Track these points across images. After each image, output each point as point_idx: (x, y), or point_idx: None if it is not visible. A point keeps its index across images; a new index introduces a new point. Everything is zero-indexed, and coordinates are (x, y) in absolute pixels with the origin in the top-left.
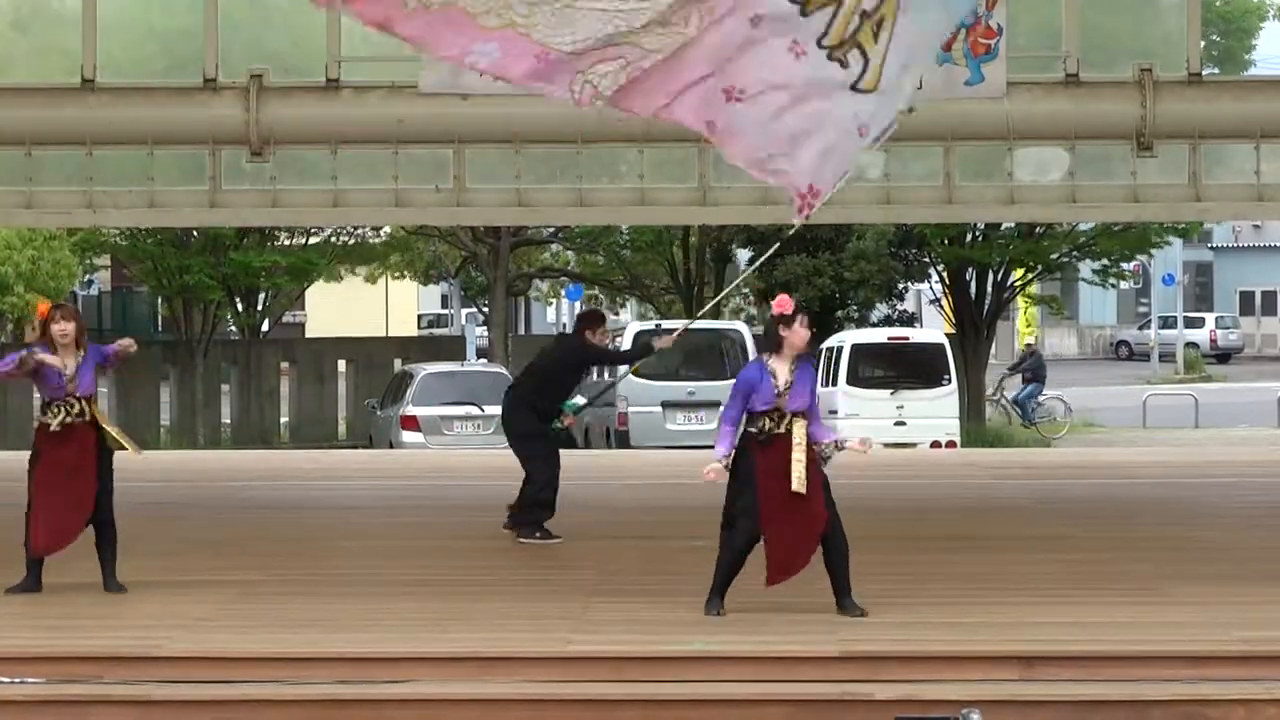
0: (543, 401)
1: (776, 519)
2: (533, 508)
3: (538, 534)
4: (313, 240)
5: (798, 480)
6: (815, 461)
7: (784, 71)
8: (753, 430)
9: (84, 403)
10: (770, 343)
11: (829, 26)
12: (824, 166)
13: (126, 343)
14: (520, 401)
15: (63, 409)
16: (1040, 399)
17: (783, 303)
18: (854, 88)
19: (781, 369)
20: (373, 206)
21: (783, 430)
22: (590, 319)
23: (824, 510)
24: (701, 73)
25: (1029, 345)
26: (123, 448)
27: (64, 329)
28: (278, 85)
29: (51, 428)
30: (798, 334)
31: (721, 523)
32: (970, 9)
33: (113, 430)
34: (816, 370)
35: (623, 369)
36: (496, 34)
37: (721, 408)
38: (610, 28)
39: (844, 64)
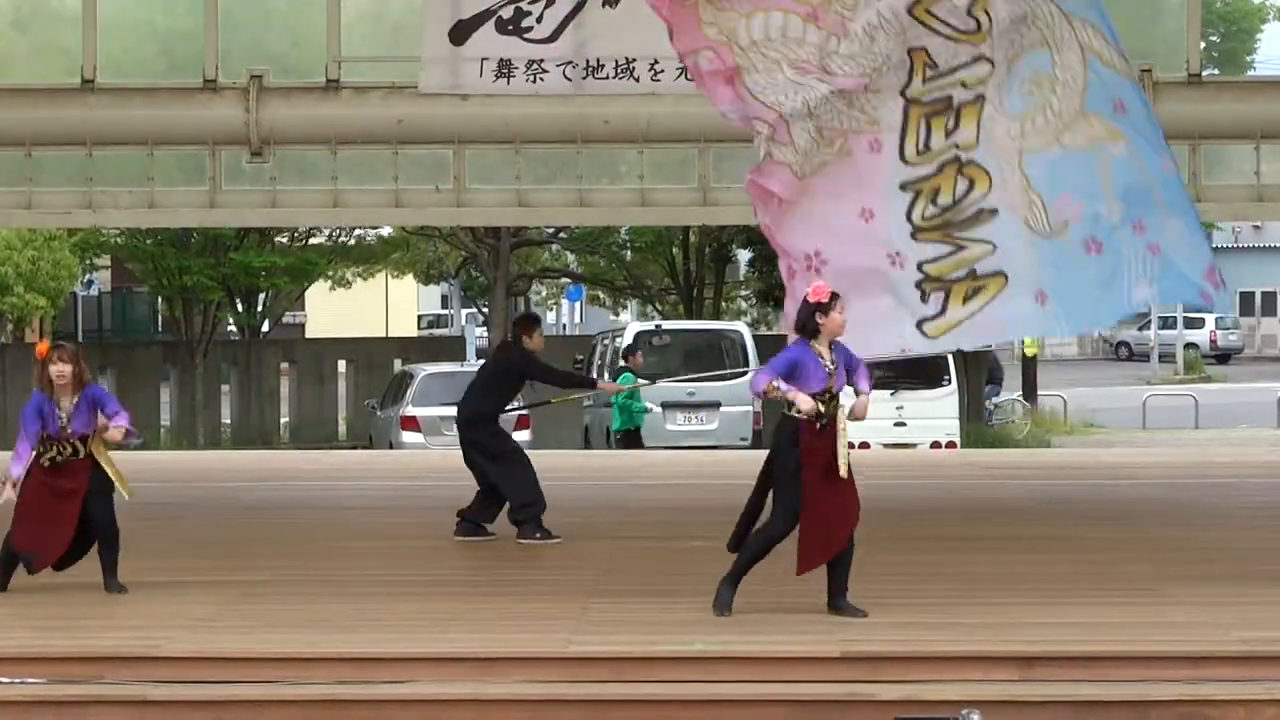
0: (486, 405)
1: (816, 507)
2: (523, 508)
3: (538, 534)
4: (313, 241)
5: (844, 465)
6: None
7: (867, 271)
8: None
9: (77, 443)
10: (806, 330)
11: (938, 259)
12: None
13: (119, 432)
14: (472, 412)
15: (54, 447)
16: (996, 400)
17: (819, 290)
18: (919, 325)
19: (825, 351)
20: (373, 207)
21: (832, 413)
22: (525, 323)
23: (858, 505)
24: (805, 239)
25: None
26: (118, 484)
27: (61, 371)
28: (277, 86)
29: (41, 462)
30: (834, 320)
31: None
32: (1121, 317)
33: (110, 470)
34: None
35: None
36: (710, 42)
37: (753, 375)
38: (794, 99)
39: (924, 298)
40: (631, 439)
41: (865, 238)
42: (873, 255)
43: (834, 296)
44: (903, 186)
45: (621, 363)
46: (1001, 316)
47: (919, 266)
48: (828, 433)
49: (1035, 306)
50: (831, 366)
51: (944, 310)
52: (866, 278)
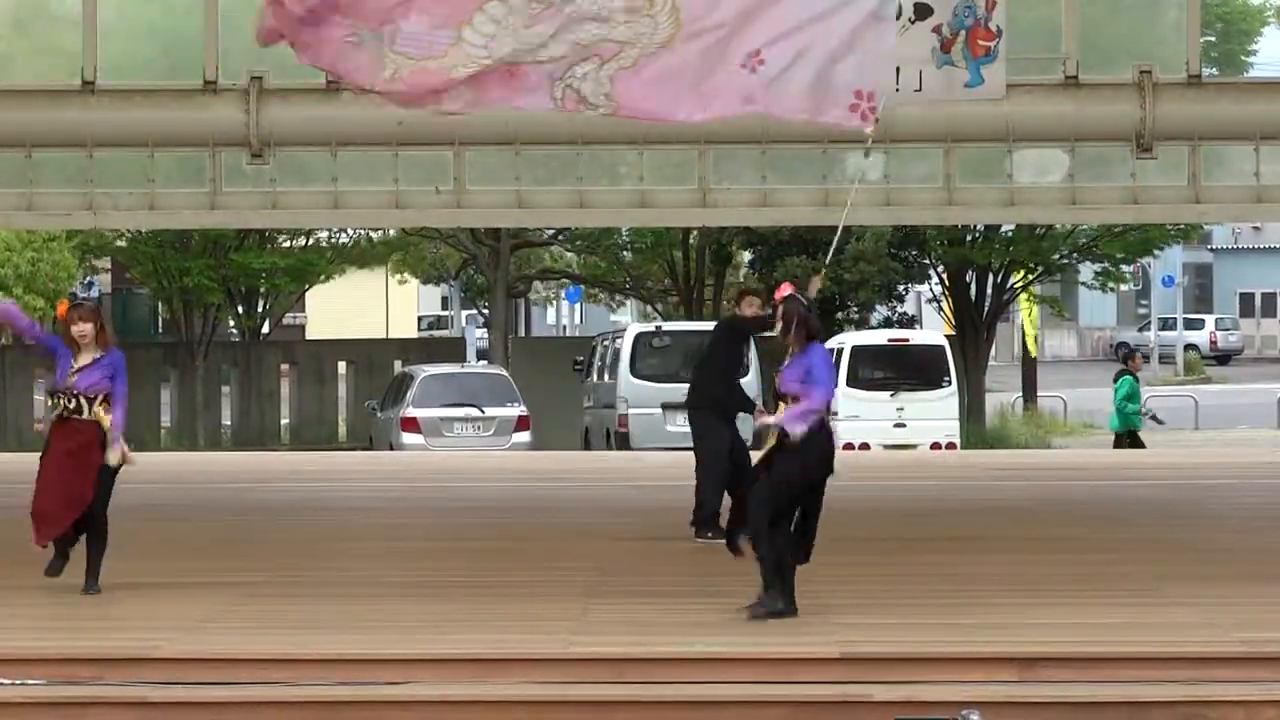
0: (706, 390)
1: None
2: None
3: (709, 534)
4: (312, 241)
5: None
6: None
7: (794, 15)
8: None
9: (81, 399)
10: None
11: None
12: (867, 69)
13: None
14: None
15: (61, 400)
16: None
17: (780, 289)
18: None
19: (789, 355)
20: (373, 208)
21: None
22: (740, 295)
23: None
24: (712, 60)
25: None
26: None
27: (82, 330)
28: (278, 87)
29: (50, 416)
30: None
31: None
32: None
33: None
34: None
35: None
36: (464, 79)
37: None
38: (575, 29)
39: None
40: (1130, 440)
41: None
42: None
43: (779, 303)
44: None
45: (1121, 365)
46: None
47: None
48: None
49: None
50: (782, 368)
51: None
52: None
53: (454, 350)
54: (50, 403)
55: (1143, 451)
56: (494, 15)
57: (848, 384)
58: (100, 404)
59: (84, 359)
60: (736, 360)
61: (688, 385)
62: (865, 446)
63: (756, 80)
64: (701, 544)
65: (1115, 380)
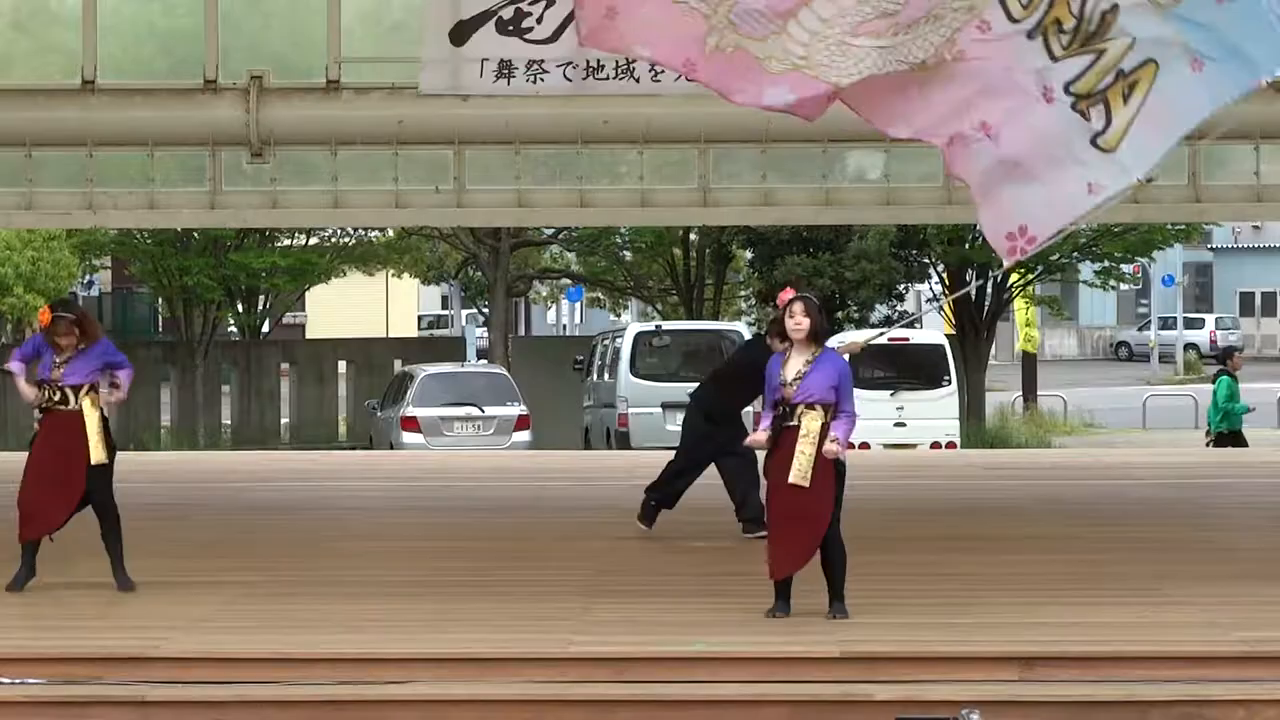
0: (711, 397)
1: (780, 514)
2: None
3: (645, 521)
4: (312, 241)
5: (795, 472)
6: (828, 461)
7: (1032, 115)
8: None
9: (67, 391)
10: (780, 332)
11: (1081, 75)
12: (1043, 213)
13: (119, 395)
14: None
15: (46, 392)
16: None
17: (784, 293)
18: (1093, 142)
19: (795, 360)
20: (373, 208)
21: (794, 423)
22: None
23: (827, 512)
24: (960, 99)
25: None
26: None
27: (63, 344)
28: (278, 86)
29: (38, 408)
30: (787, 323)
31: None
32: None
33: (91, 424)
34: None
35: None
36: (783, 77)
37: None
38: (888, 66)
39: (1085, 116)
40: (1232, 440)
41: (1020, 88)
42: (1029, 99)
43: (791, 301)
44: (1029, 35)
45: (1220, 365)
46: (1169, 98)
47: (1066, 89)
48: (786, 441)
49: (1195, 76)
50: (791, 378)
51: (1109, 121)
52: (1031, 128)
53: (454, 350)
54: (39, 394)
55: (1143, 452)
56: (820, 14)
57: None
58: (86, 394)
59: (68, 352)
60: (756, 386)
61: (697, 383)
62: (865, 446)
63: (974, 143)
64: (640, 530)
65: (1214, 380)
